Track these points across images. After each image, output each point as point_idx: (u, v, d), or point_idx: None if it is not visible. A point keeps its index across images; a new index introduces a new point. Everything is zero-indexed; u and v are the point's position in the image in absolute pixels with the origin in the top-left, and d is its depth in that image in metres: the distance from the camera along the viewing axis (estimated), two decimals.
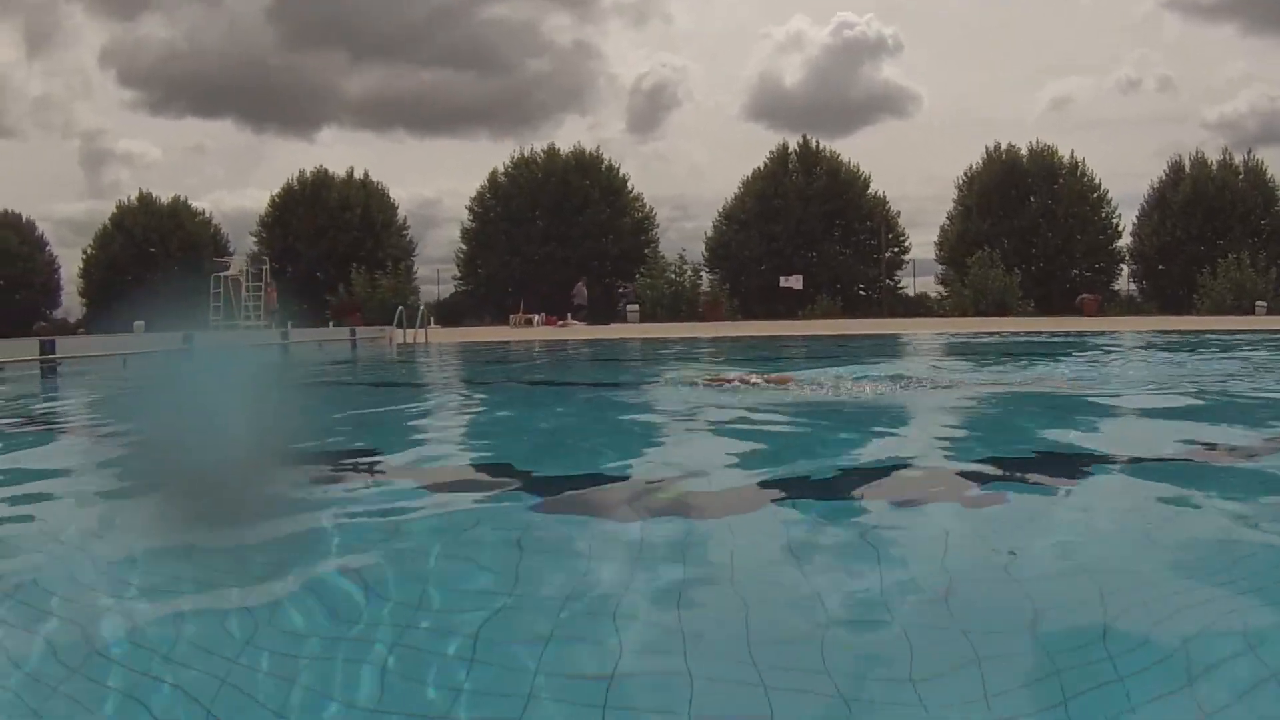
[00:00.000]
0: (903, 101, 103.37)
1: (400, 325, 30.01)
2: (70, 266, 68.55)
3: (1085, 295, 51.57)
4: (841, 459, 5.60)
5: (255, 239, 63.29)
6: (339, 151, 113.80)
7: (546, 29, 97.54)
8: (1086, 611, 2.66)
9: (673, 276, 56.13)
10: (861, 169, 63.64)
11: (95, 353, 20.34)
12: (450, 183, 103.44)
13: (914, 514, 4.02)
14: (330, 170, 65.30)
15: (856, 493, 4.45)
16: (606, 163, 64.51)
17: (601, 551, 3.42)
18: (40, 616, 2.85)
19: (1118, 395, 9.08)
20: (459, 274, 64.92)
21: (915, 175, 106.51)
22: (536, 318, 44.82)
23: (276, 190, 64.79)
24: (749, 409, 7.70)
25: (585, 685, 2.32)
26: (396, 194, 66.67)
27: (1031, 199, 60.50)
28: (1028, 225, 59.21)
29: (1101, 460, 5.31)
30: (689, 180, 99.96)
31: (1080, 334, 26.21)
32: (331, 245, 60.52)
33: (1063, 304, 52.41)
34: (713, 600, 2.90)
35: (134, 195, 66.74)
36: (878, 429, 6.93)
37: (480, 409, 10.20)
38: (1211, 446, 5.86)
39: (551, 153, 64.17)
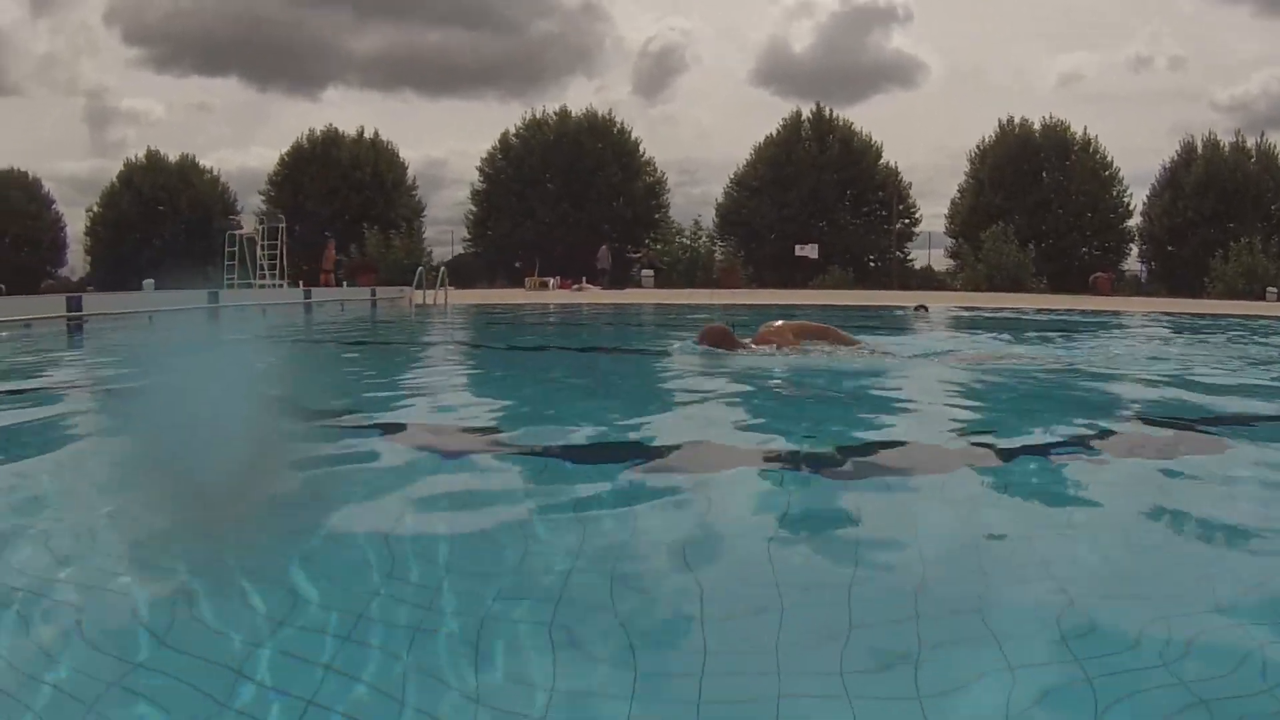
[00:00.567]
0: (911, 71, 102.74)
1: (420, 286, 29.88)
2: (75, 225, 68.27)
3: (1099, 274, 51.37)
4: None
5: (264, 198, 63.10)
6: (345, 111, 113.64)
7: None
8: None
9: (686, 242, 55.81)
10: (874, 138, 63.45)
11: (121, 310, 20.05)
12: (457, 143, 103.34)
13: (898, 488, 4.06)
14: (340, 129, 65.04)
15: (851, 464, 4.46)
16: (619, 125, 64.25)
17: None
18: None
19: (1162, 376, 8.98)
20: (468, 235, 64.73)
21: (922, 145, 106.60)
22: (552, 281, 44.62)
23: (285, 149, 64.56)
24: (761, 374, 7.78)
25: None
26: (404, 154, 66.35)
27: (1044, 174, 60.19)
28: (1040, 201, 58.81)
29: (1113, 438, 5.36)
30: (696, 144, 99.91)
31: (1102, 313, 26.05)
32: (343, 204, 60.18)
33: (1074, 282, 52.09)
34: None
35: (142, 153, 66.40)
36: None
37: (518, 374, 10.26)
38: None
39: (564, 115, 63.84)
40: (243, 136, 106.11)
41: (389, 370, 10.77)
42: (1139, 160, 79.33)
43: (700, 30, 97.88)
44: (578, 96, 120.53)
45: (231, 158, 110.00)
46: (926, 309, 23.09)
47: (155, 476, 4.18)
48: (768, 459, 4.64)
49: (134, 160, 65.74)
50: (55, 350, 13.05)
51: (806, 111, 63.83)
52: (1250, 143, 58.35)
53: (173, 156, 65.78)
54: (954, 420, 6.10)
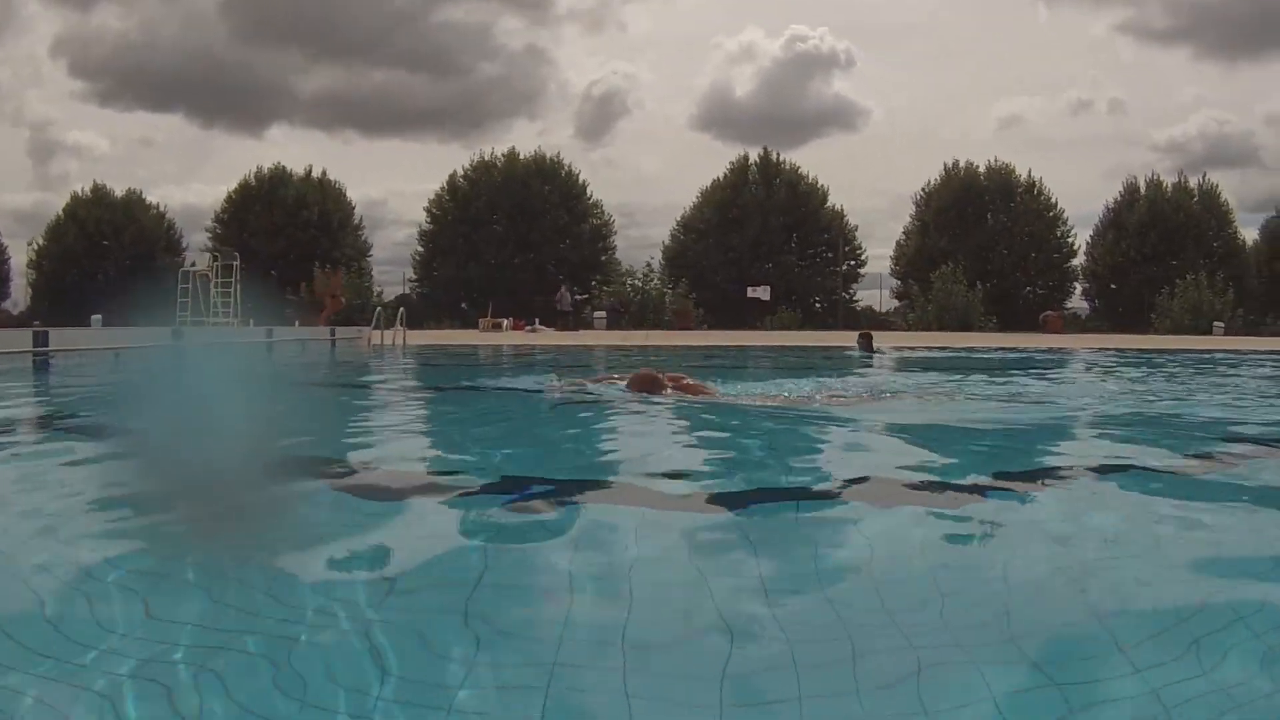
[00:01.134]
0: (852, 116, 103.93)
1: (377, 326, 29.90)
2: (17, 257, 67.59)
3: (1049, 312, 52.30)
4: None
5: (210, 235, 62.76)
6: (288, 150, 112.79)
7: (499, 33, 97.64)
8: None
9: (637, 284, 56.16)
10: (820, 182, 64.19)
11: (87, 346, 20.04)
12: (397, 184, 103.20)
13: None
14: (288, 167, 64.91)
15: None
16: (566, 168, 64.49)
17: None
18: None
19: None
20: (415, 276, 64.80)
21: (863, 189, 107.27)
22: (505, 322, 44.79)
23: (232, 186, 64.44)
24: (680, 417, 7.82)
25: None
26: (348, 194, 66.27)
27: (989, 216, 61.32)
28: (985, 242, 59.82)
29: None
30: (637, 188, 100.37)
31: (1055, 350, 26.58)
32: (289, 243, 60.07)
33: (1021, 321, 52.93)
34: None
35: (88, 186, 66.04)
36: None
37: (470, 415, 9.91)
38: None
39: (511, 156, 63.94)
40: (186, 173, 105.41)
41: (357, 412, 10.70)
42: (1079, 201, 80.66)
43: (644, 75, 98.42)
44: (520, 139, 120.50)
45: (174, 194, 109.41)
46: (870, 339, 22.81)
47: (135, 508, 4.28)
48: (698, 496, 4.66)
49: (80, 194, 65.28)
50: (24, 387, 12.88)
51: (754, 155, 64.57)
52: (1193, 182, 60.25)
53: (119, 191, 65.36)
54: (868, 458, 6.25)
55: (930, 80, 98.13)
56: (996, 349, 27.22)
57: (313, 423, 8.57)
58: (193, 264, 38.92)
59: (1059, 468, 5.76)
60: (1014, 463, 6.10)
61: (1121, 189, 61.43)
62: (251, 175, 64.63)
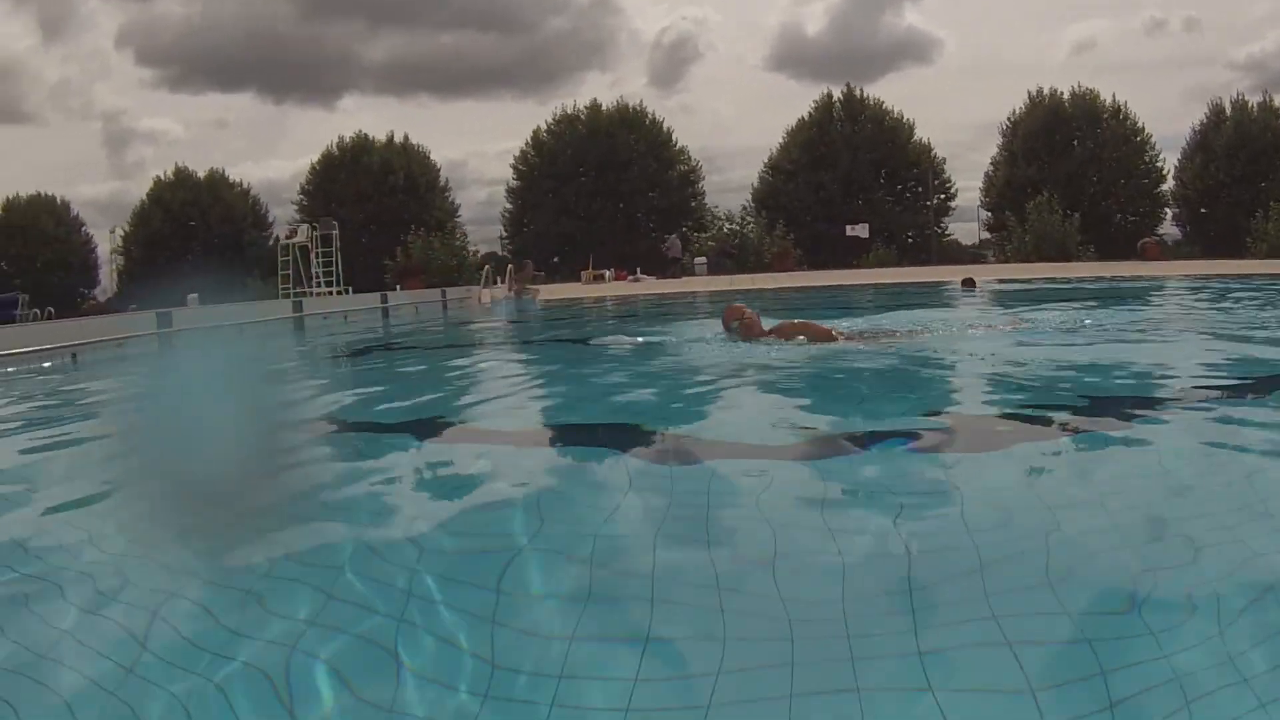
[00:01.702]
0: (925, 47, 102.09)
1: (485, 284, 29.80)
2: (101, 247, 68.35)
3: (1147, 239, 50.85)
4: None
5: (297, 207, 63.01)
6: (361, 118, 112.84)
7: None
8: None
9: (737, 228, 55.23)
10: (905, 116, 63.10)
11: (211, 324, 19.54)
12: (476, 144, 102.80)
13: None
14: (370, 135, 64.74)
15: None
16: (650, 117, 63.98)
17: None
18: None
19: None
20: (505, 233, 64.70)
21: (942, 121, 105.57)
22: (608, 273, 44.20)
23: (310, 159, 64.59)
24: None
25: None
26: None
27: (1075, 144, 59.84)
28: (1073, 171, 58.52)
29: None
30: (714, 133, 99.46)
31: (1157, 277, 25.60)
32: (376, 210, 59.81)
33: (1118, 248, 51.55)
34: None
35: (169, 171, 66.37)
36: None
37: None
38: None
39: (594, 108, 63.53)
40: (262, 150, 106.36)
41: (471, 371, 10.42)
42: (1160, 124, 78.44)
43: (713, 18, 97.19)
44: (593, 91, 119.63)
45: (252, 171, 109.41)
46: (974, 284, 22.41)
47: None
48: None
49: (163, 178, 65.60)
50: (172, 365, 12.44)
51: (837, 93, 63.61)
52: (1279, 101, 57.83)
53: (201, 173, 65.57)
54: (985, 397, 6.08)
55: (1002, 6, 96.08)
56: (1102, 279, 26.38)
57: (453, 386, 8.48)
58: (288, 235, 38.39)
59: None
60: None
61: (1207, 110, 59.67)
62: (334, 145, 64.76)
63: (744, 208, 59.02)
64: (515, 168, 64.14)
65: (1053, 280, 26.19)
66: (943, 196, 63.13)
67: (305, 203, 62.85)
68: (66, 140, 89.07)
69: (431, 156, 65.73)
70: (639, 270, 45.13)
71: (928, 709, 2.06)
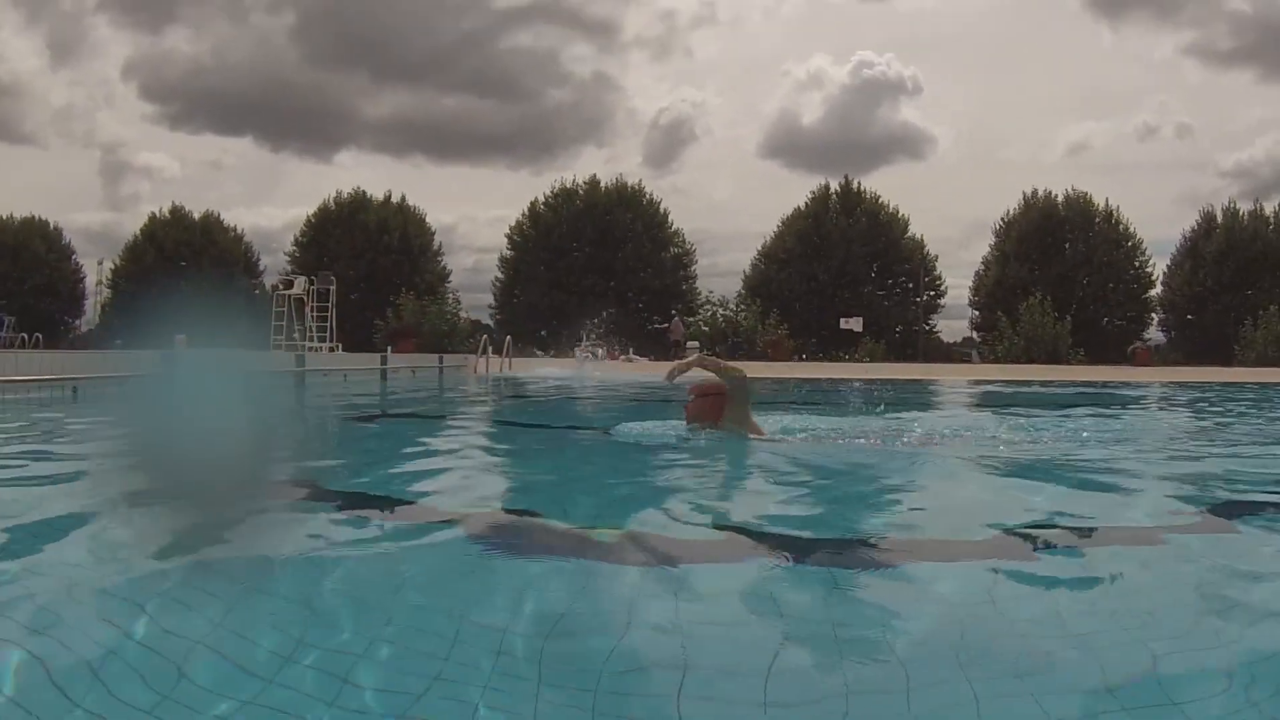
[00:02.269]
0: (919, 143, 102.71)
1: (484, 353, 29.86)
2: (89, 277, 68.78)
3: (1137, 344, 51.36)
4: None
5: (289, 258, 63.12)
6: (358, 174, 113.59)
7: (567, 59, 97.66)
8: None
9: (729, 314, 55.40)
10: (901, 211, 63.84)
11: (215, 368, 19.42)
12: (467, 209, 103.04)
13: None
14: (368, 192, 65.01)
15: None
16: (648, 196, 64.43)
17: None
18: None
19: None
20: (494, 303, 64.92)
21: (933, 216, 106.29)
22: (600, 351, 44.21)
23: (302, 210, 65.17)
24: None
25: None
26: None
27: (1067, 246, 60.64)
28: (1065, 272, 59.23)
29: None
30: (705, 214, 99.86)
31: (1140, 384, 25.70)
32: (369, 268, 59.92)
33: (1107, 352, 51.96)
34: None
35: (161, 208, 66.85)
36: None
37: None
38: None
39: (593, 184, 63.96)
40: (256, 196, 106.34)
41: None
42: (1148, 228, 78.40)
43: (712, 102, 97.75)
44: (588, 165, 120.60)
45: (244, 216, 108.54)
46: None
47: None
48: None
49: (158, 215, 65.67)
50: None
51: (835, 184, 64.34)
52: (1269, 210, 59.44)
53: (196, 214, 65.65)
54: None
55: (997, 106, 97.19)
56: (1098, 383, 26.35)
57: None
58: (285, 286, 38.23)
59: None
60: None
61: (1199, 217, 60.94)
62: (331, 199, 65.11)
63: (738, 294, 59.19)
64: (510, 237, 64.49)
65: (1050, 384, 26.13)
66: (932, 294, 63.71)
67: (298, 254, 62.93)
68: (63, 165, 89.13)
69: (427, 220, 66.12)
70: (631, 350, 45.23)
71: None
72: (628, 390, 20.63)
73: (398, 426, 12.49)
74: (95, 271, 67.74)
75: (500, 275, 64.71)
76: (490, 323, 61.04)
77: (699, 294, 63.40)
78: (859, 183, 64.21)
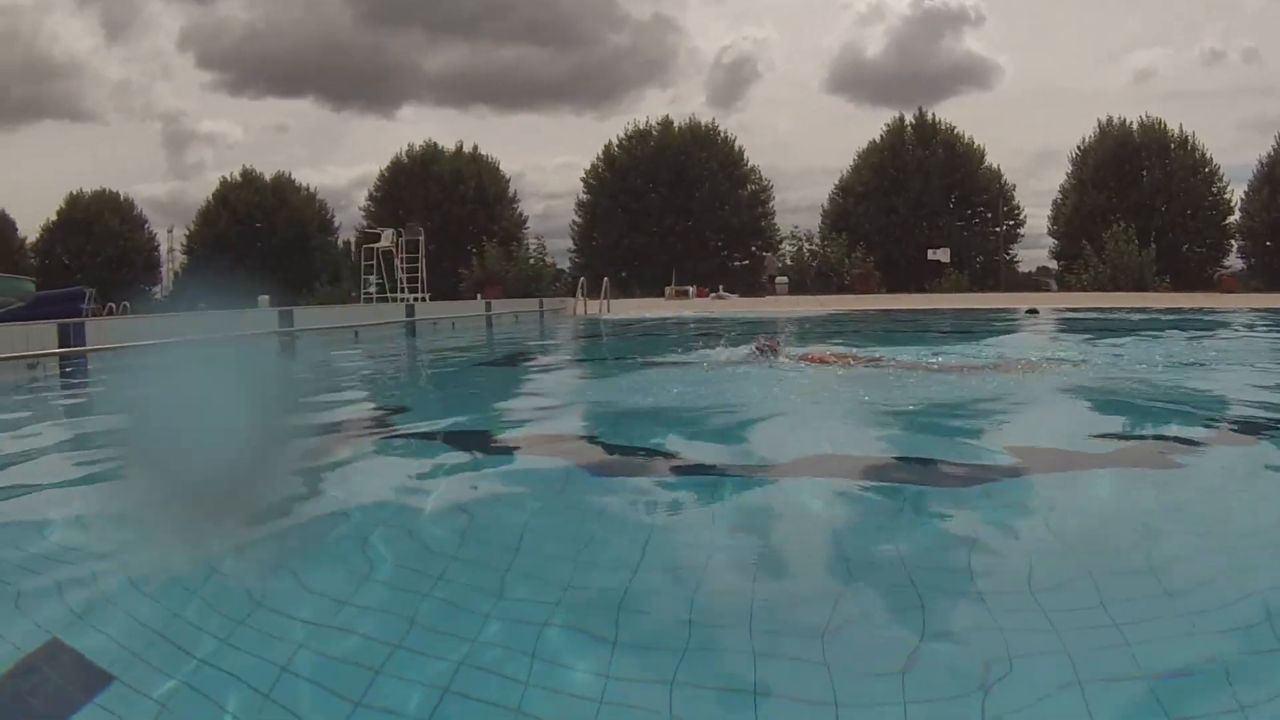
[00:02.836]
0: (985, 73, 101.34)
1: (582, 295, 30.07)
2: (162, 246, 69.53)
3: (1222, 271, 50.27)
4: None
5: (364, 213, 63.04)
6: (421, 128, 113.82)
7: (624, 1, 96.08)
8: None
9: (815, 248, 54.66)
10: (976, 141, 62.76)
11: (328, 325, 19.44)
12: (534, 158, 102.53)
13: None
14: (439, 144, 64.67)
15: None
16: (723, 135, 63.77)
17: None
18: None
19: None
20: (574, 246, 64.67)
21: (1001, 147, 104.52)
22: (690, 290, 43.89)
23: (376, 165, 65.15)
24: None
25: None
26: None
27: (1144, 174, 59.37)
28: (1143, 200, 58.01)
29: None
30: (772, 152, 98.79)
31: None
32: (444, 219, 59.61)
33: (1185, 281, 50.86)
34: None
35: (230, 173, 67.24)
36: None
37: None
38: None
39: (666, 124, 63.39)
40: (320, 156, 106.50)
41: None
42: (1216, 155, 76.48)
43: (773, 38, 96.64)
44: (652, 108, 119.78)
45: (310, 177, 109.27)
46: (1037, 312, 22.04)
47: None
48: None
49: (229, 179, 65.78)
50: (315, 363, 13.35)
51: (909, 116, 63.43)
52: None
53: (268, 175, 65.62)
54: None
55: (1060, 33, 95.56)
56: (1189, 309, 25.50)
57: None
58: (369, 240, 37.92)
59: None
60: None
61: (1275, 142, 58.55)
62: (403, 153, 65.17)
63: (820, 228, 58.55)
64: (585, 181, 64.34)
65: (1146, 310, 25.34)
66: (1011, 223, 62.76)
67: (373, 209, 63.01)
68: (126, 139, 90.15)
69: (501, 168, 65.77)
70: (721, 288, 44.72)
71: None
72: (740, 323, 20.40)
73: (550, 368, 12.44)
74: (166, 240, 68.26)
75: (578, 219, 64.58)
76: (567, 266, 60.84)
77: (778, 230, 63.11)
78: (933, 114, 63.41)
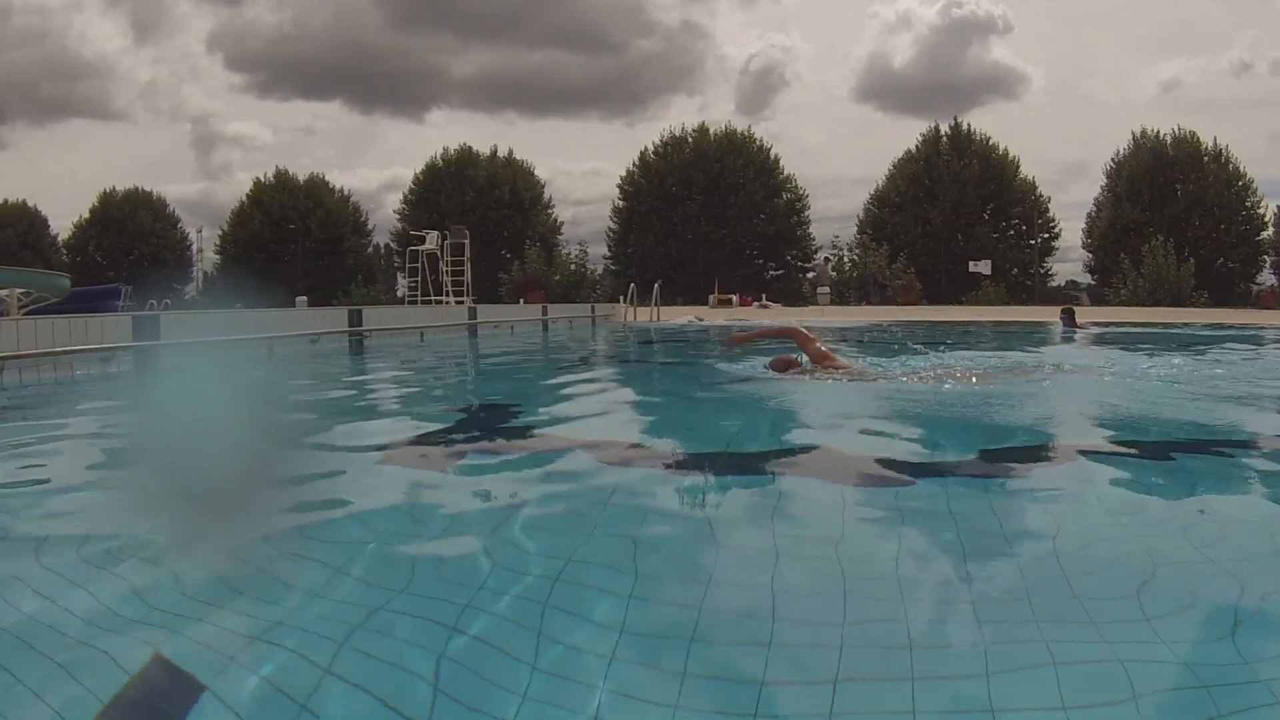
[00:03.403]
0: (1012, 83, 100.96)
1: (631, 302, 30.44)
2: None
3: (1260, 287, 49.92)
4: None
5: (398, 215, 63.21)
6: (450, 132, 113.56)
7: (653, 8, 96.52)
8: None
9: (855, 258, 54.32)
10: (1011, 152, 62.55)
11: (395, 325, 19.26)
12: (562, 163, 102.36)
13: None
14: (474, 148, 64.69)
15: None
16: (758, 142, 63.61)
17: None
18: None
19: None
20: (609, 253, 64.49)
21: (1028, 158, 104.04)
22: (734, 298, 43.55)
23: (409, 169, 65.76)
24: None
25: None
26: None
27: (1178, 188, 58.89)
28: (1178, 214, 57.63)
29: None
30: (800, 160, 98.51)
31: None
32: (480, 223, 59.47)
33: (1224, 296, 50.38)
34: None
35: (263, 173, 67.50)
36: None
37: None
38: None
39: (701, 131, 63.33)
40: (349, 159, 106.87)
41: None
42: (1248, 167, 75.75)
43: (800, 47, 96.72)
44: (680, 115, 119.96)
45: (338, 179, 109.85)
46: (1074, 315, 21.64)
47: None
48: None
49: (263, 180, 65.79)
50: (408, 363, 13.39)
51: (944, 126, 63.36)
52: None
53: (301, 176, 65.63)
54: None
55: (1088, 43, 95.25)
56: (1235, 325, 25.09)
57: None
58: (412, 243, 37.75)
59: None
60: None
61: None
62: (438, 156, 65.19)
63: (855, 238, 58.33)
64: (621, 187, 64.20)
65: (1183, 326, 24.92)
66: (1046, 236, 62.20)
67: (407, 212, 63.23)
68: (154, 139, 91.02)
69: (536, 173, 65.83)
70: (764, 297, 44.38)
71: None
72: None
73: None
74: (196, 240, 68.58)
75: (614, 225, 64.46)
76: (599, 272, 60.71)
77: (813, 239, 62.83)
78: (969, 124, 63.11)
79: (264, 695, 2.21)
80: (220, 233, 66.34)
